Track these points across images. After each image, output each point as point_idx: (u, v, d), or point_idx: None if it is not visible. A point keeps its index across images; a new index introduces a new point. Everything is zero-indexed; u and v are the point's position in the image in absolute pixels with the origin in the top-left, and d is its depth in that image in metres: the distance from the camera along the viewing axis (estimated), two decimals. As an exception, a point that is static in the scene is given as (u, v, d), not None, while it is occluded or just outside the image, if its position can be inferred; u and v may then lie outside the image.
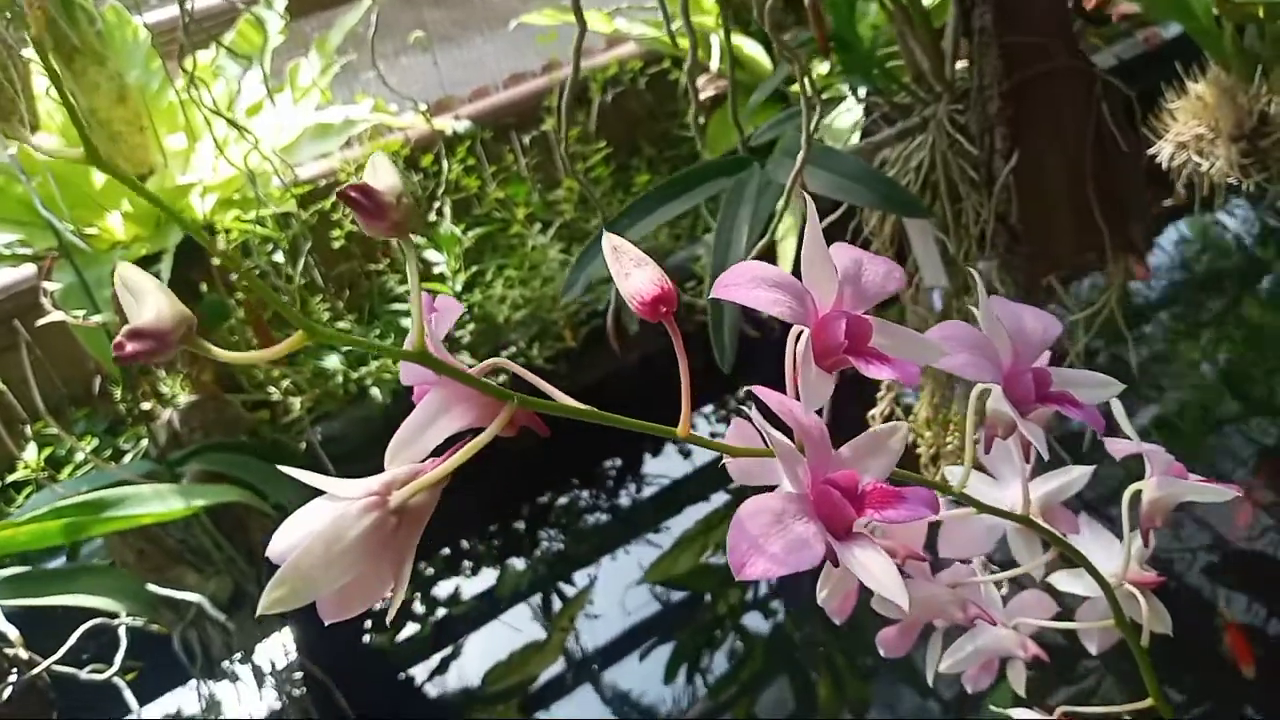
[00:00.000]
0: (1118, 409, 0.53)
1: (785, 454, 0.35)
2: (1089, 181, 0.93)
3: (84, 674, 1.15)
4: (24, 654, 1.09)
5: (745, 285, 0.35)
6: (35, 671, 1.10)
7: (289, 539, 0.28)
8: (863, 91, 1.09)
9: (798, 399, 0.36)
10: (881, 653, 0.50)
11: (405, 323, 1.94)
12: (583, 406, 0.32)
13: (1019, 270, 0.95)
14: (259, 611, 0.26)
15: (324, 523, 0.28)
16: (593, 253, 0.77)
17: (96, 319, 1.33)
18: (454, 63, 2.64)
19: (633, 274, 0.33)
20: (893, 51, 1.01)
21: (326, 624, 0.29)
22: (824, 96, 1.02)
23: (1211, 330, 2.21)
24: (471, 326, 1.93)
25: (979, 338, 0.40)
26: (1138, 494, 0.54)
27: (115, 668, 1.16)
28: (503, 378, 0.36)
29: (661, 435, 0.34)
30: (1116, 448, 0.52)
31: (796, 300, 0.35)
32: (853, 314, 0.36)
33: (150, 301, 0.26)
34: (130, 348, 0.25)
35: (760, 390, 0.36)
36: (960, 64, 0.95)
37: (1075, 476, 0.56)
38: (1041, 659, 0.57)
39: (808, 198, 0.36)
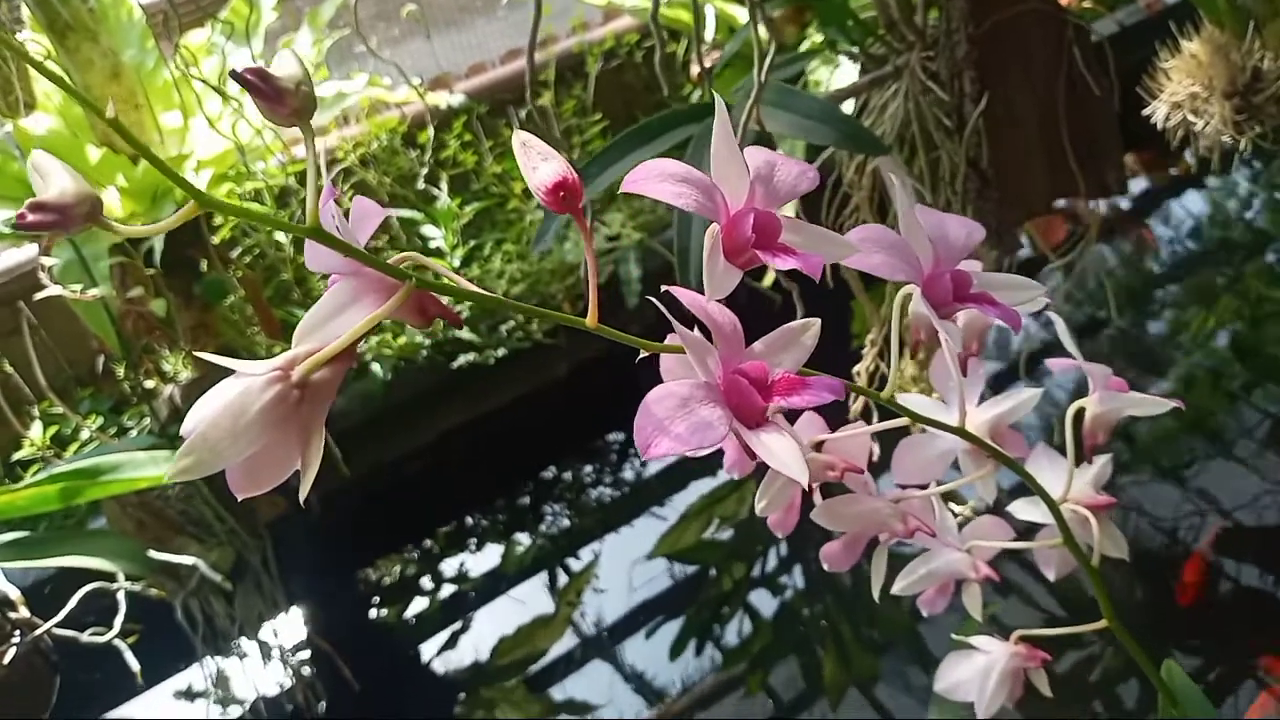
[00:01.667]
0: (1061, 327, 0.54)
1: (693, 345, 0.36)
2: (1061, 125, 0.93)
3: (85, 636, 1.17)
4: (25, 614, 1.11)
5: (652, 179, 0.36)
6: (37, 633, 1.12)
7: (199, 415, 0.30)
8: (856, 50, 1.09)
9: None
10: (825, 567, 0.51)
11: (404, 298, 1.95)
12: (484, 292, 0.33)
13: (990, 215, 0.95)
14: (166, 479, 0.27)
15: (230, 396, 0.29)
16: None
17: (94, 293, 1.35)
18: (455, 45, 2.65)
19: (540, 167, 0.34)
20: (868, 3, 1.01)
21: (239, 499, 0.30)
22: (802, 49, 1.03)
23: (1218, 301, 2.20)
24: (471, 301, 1.93)
25: (897, 239, 0.41)
26: (1082, 412, 0.55)
27: (115, 630, 1.18)
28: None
29: (572, 325, 0.35)
30: (1059, 366, 0.53)
31: (704, 194, 0.36)
32: (760, 209, 0.37)
33: (55, 180, 0.28)
34: (31, 218, 0.27)
35: (676, 290, 0.37)
36: (933, 13, 0.95)
37: (1024, 399, 0.57)
38: (993, 579, 0.58)
39: (719, 100, 0.37)
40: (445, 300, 0.34)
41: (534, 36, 0.79)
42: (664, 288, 0.38)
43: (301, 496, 0.31)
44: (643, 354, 0.38)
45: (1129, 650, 0.60)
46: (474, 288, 0.32)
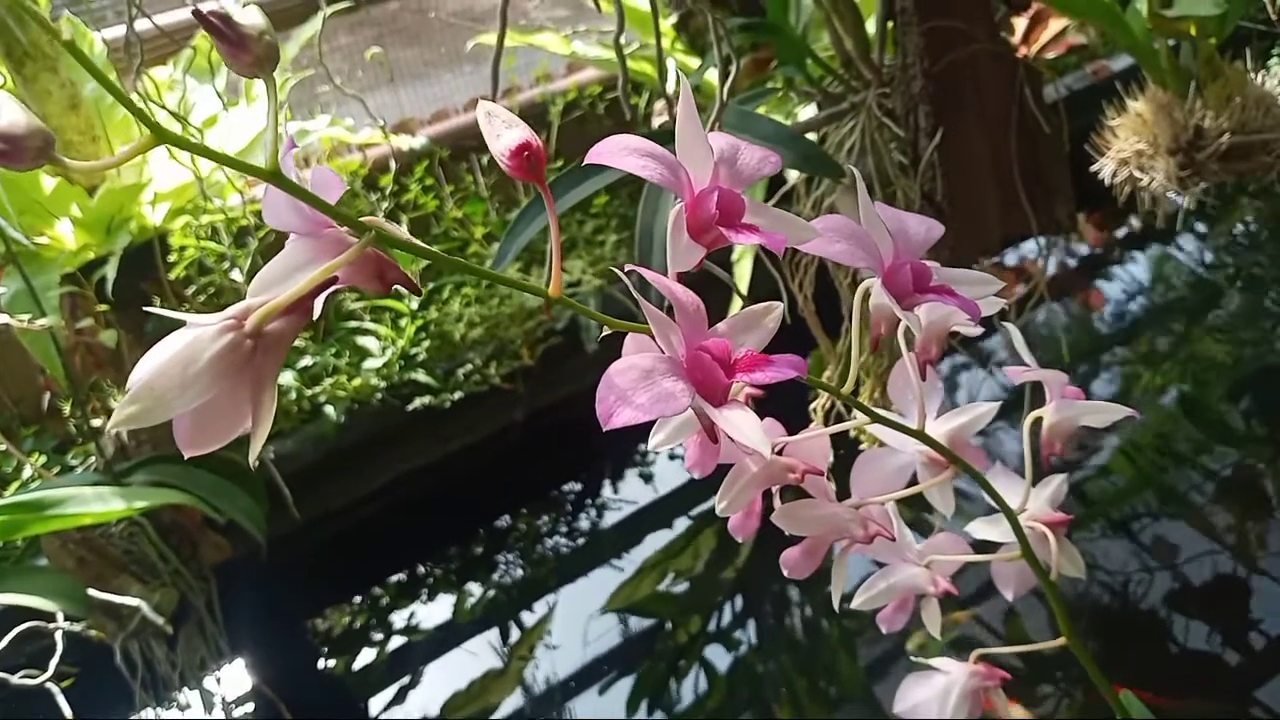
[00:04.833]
0: (1016, 337, 0.55)
1: (657, 321, 0.36)
2: (1013, 161, 0.96)
3: (15, 679, 1.13)
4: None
5: (618, 152, 0.36)
6: (-35, 672, 1.07)
7: (146, 365, 0.29)
8: (812, 89, 1.11)
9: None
10: (785, 573, 0.50)
11: (360, 340, 1.94)
12: (441, 254, 0.33)
13: (944, 248, 0.96)
14: (108, 427, 0.27)
15: (180, 345, 0.28)
16: (523, 223, 0.78)
17: (42, 322, 1.33)
18: (421, 98, 2.67)
19: (503, 134, 0.34)
20: (827, 43, 1.03)
21: (186, 456, 0.29)
22: (766, 86, 1.05)
23: (1166, 359, 2.24)
24: (427, 344, 1.93)
25: (858, 229, 0.41)
26: (1038, 422, 0.55)
27: (49, 672, 1.14)
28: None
29: (534, 293, 0.35)
30: (1015, 372, 0.53)
31: (669, 170, 0.36)
32: (725, 188, 0.37)
33: (6, 112, 0.27)
34: (-21, 148, 0.26)
35: (641, 269, 0.37)
36: (889, 52, 0.98)
37: (982, 412, 0.57)
38: (952, 593, 0.58)
39: (684, 81, 0.37)
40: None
41: (497, 63, 0.80)
42: (628, 266, 0.38)
43: (252, 457, 0.30)
44: (606, 330, 0.38)
45: (1086, 669, 0.60)
46: (427, 247, 0.32)
